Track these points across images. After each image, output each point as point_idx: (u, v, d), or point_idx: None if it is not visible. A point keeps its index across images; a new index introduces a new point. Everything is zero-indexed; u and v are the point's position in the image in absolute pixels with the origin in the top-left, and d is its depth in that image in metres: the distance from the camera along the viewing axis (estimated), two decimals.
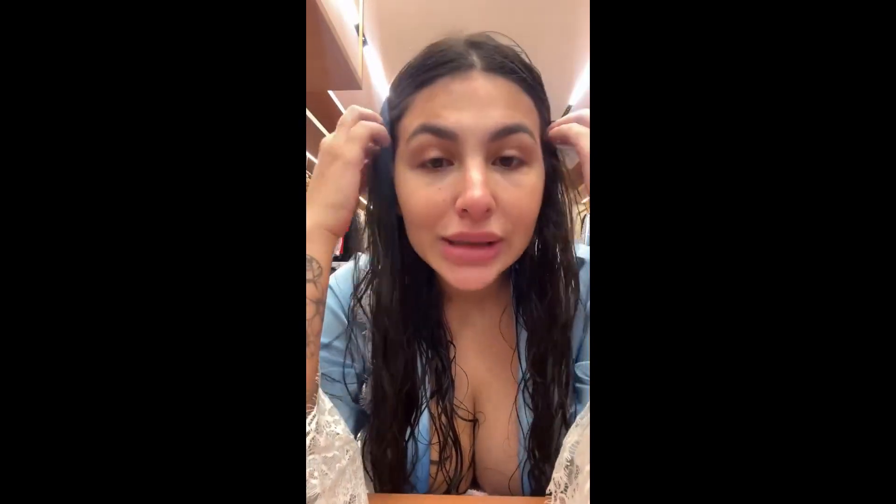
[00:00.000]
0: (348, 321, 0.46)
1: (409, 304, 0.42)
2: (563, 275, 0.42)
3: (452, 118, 0.34)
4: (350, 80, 1.49)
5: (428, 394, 0.43)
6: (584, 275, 0.45)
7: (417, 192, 0.36)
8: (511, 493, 0.43)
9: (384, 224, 0.41)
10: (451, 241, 0.36)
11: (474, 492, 0.44)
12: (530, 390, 0.41)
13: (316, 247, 0.36)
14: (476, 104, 0.34)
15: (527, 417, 0.42)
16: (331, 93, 2.19)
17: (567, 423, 0.40)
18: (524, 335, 0.43)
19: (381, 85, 3.16)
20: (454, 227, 0.35)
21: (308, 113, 1.84)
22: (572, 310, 0.42)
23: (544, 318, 0.41)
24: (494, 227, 0.35)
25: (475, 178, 0.33)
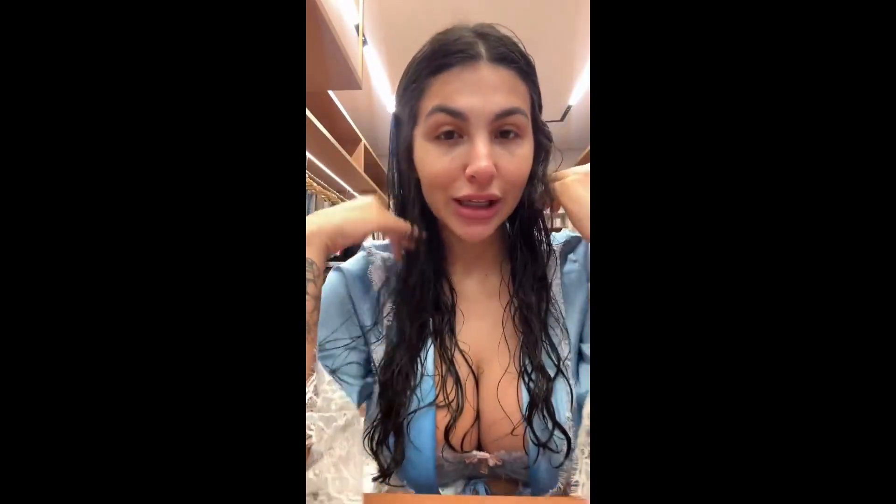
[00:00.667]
0: (353, 301, 0.52)
1: (423, 255, 0.50)
2: (538, 219, 0.52)
3: (463, 102, 0.42)
4: (350, 80, 1.49)
5: (433, 329, 0.50)
6: (582, 251, 0.53)
7: (434, 160, 0.44)
8: (514, 441, 0.47)
9: (406, 185, 0.49)
10: (460, 202, 0.44)
11: (476, 453, 0.47)
12: (516, 313, 0.50)
13: (315, 251, 0.42)
14: (482, 91, 0.42)
15: (517, 340, 0.50)
16: (331, 93, 2.19)
17: (552, 345, 0.48)
18: (510, 271, 0.52)
19: (381, 85, 3.16)
20: (464, 190, 0.43)
21: (308, 113, 1.84)
22: (546, 249, 0.52)
23: (527, 257, 0.51)
24: (495, 189, 0.43)
25: (482, 152, 0.41)
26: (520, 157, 0.44)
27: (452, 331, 0.50)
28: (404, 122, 0.47)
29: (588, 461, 0.38)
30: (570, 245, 0.54)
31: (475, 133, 0.42)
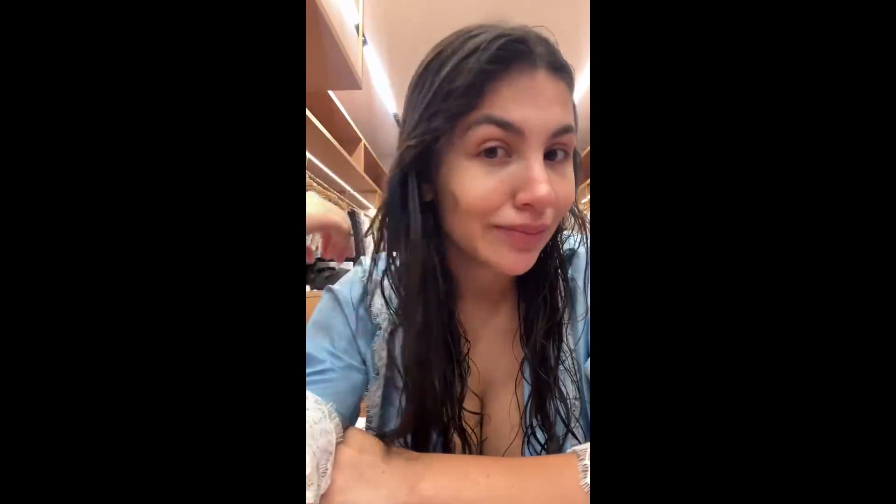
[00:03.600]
0: (352, 330, 0.47)
1: (428, 296, 0.42)
2: (557, 261, 0.45)
3: (519, 113, 0.35)
4: (350, 80, 1.49)
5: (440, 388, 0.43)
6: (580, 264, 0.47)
7: (475, 181, 0.36)
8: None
9: (410, 214, 0.40)
10: (506, 229, 0.37)
11: None
12: (529, 363, 0.44)
13: None
14: (541, 102, 0.35)
15: (526, 392, 0.44)
16: (331, 93, 2.19)
17: (563, 399, 0.43)
18: (524, 314, 0.46)
19: (381, 85, 3.16)
20: (511, 217, 0.36)
21: (308, 113, 1.84)
22: (563, 292, 0.45)
23: (539, 294, 0.44)
24: (548, 218, 0.37)
25: (541, 176, 0.35)
26: (570, 180, 0.39)
27: (461, 398, 0.43)
28: (429, 130, 0.37)
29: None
30: (568, 260, 0.48)
31: (529, 152, 0.35)
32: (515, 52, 0.35)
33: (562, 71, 0.37)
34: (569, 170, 0.39)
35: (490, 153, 0.36)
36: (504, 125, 0.35)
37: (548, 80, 0.36)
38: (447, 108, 0.36)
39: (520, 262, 0.38)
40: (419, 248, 0.40)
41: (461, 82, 0.35)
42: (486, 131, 0.35)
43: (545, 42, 0.37)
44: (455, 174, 0.37)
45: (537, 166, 0.35)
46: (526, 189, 0.35)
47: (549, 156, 0.37)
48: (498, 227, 0.37)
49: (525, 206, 0.36)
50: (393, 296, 0.44)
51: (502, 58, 0.35)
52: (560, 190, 0.37)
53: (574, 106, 0.40)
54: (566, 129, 0.36)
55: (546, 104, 0.35)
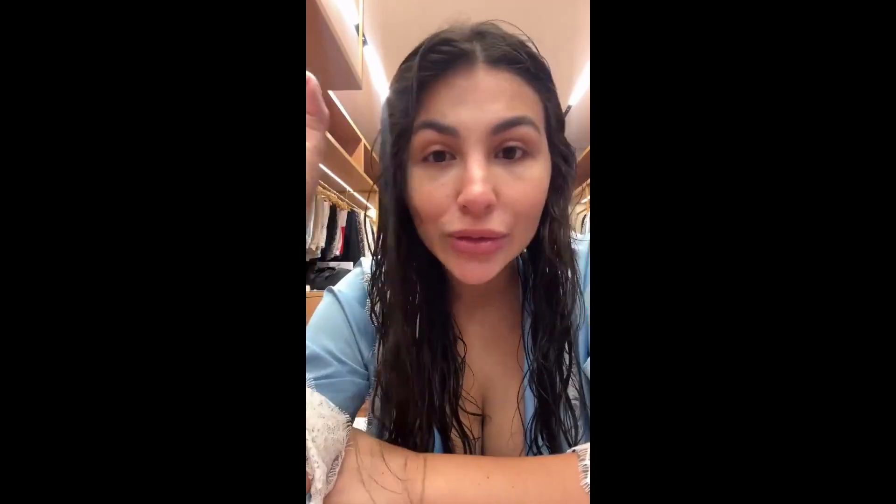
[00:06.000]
0: (353, 330, 0.46)
1: (420, 299, 0.41)
2: (564, 268, 0.42)
3: (453, 114, 0.34)
4: (350, 80, 1.49)
5: (437, 391, 0.42)
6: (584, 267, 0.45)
7: (421, 186, 0.36)
8: None
9: (396, 218, 0.39)
10: (455, 237, 0.36)
11: None
12: (535, 378, 0.42)
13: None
14: (477, 99, 0.34)
15: (532, 405, 0.43)
16: (331, 93, 2.19)
17: (571, 410, 0.42)
18: (529, 326, 0.44)
19: (381, 85, 3.16)
20: (457, 223, 0.35)
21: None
22: (570, 299, 0.42)
23: (548, 308, 0.42)
24: (496, 223, 0.35)
25: (475, 175, 0.33)
26: (529, 180, 0.35)
27: (459, 393, 0.42)
28: (392, 141, 0.38)
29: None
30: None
31: (468, 152, 0.34)
32: (448, 53, 0.34)
33: (505, 61, 0.35)
34: (530, 170, 0.36)
35: (438, 157, 0.35)
36: (440, 128, 0.34)
37: (488, 75, 0.34)
38: (396, 120, 0.37)
39: (473, 271, 0.36)
40: (396, 254, 0.39)
41: (403, 93, 0.36)
42: (425, 136, 0.35)
43: (486, 37, 0.36)
44: (411, 181, 0.37)
45: (474, 166, 0.33)
46: (462, 190, 0.34)
47: (507, 154, 0.35)
48: (449, 234, 0.36)
49: (464, 209, 0.34)
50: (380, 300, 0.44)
51: (436, 61, 0.35)
52: (512, 192, 0.35)
53: (542, 98, 0.37)
54: (511, 123, 0.34)
55: (484, 100, 0.34)
